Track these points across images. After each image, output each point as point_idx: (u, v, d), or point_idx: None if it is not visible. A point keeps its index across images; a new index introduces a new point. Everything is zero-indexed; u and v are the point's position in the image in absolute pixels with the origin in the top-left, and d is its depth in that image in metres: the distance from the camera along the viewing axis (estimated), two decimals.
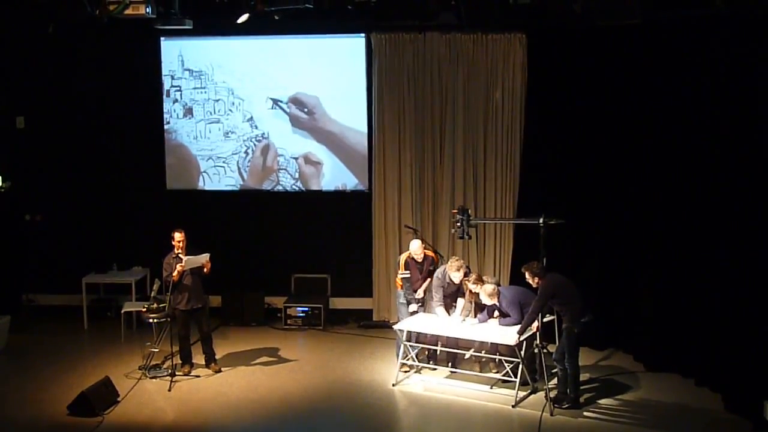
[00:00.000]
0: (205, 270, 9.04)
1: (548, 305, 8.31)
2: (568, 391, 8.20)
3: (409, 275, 9.07)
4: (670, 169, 8.95)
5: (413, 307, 9.16)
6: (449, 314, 9.06)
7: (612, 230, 9.62)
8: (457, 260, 8.96)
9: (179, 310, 9.02)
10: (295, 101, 11.06)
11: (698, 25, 8.39)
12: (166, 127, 11.31)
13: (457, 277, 8.86)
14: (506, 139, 10.40)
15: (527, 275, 8.20)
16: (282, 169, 11.21)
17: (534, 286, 8.22)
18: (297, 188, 11.23)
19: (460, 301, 8.99)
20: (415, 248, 9.09)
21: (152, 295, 9.30)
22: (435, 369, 9.16)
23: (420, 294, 9.22)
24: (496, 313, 8.81)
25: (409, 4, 9.54)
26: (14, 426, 8.02)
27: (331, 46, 10.96)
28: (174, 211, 10.97)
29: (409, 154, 10.66)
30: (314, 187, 11.19)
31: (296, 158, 11.15)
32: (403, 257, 9.18)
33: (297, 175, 11.19)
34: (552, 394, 8.27)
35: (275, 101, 10.98)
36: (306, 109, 11.05)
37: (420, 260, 9.13)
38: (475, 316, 8.95)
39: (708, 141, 8.45)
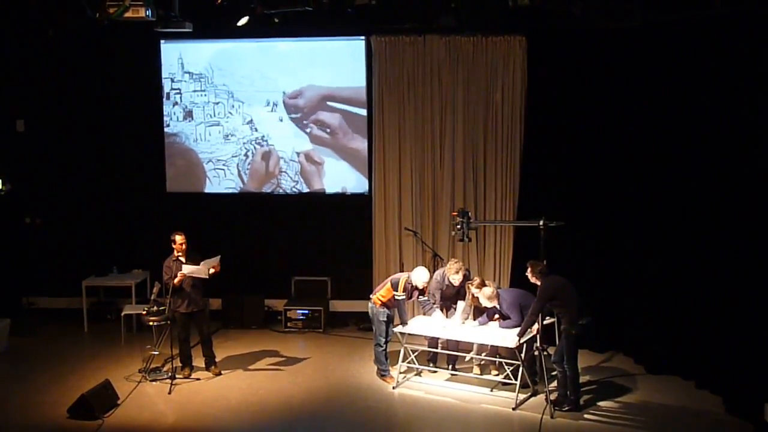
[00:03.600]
0: (213, 270, 8.99)
1: (548, 307, 8.30)
2: (568, 393, 8.20)
3: (404, 297, 8.83)
4: (670, 171, 8.95)
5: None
6: (447, 316, 9.05)
7: (612, 233, 9.62)
8: (456, 263, 8.94)
9: (179, 312, 9.01)
10: (317, 122, 11.07)
11: (698, 26, 8.40)
12: (166, 129, 11.31)
13: (456, 279, 8.85)
14: (506, 141, 10.39)
15: (529, 270, 8.17)
16: (282, 171, 11.22)
17: (532, 282, 8.21)
18: (297, 190, 11.23)
19: (461, 304, 8.97)
20: (422, 278, 8.78)
21: (152, 298, 9.31)
22: (435, 371, 9.16)
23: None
24: (496, 315, 8.81)
25: (409, 7, 9.55)
26: (15, 429, 8.01)
27: (331, 49, 10.97)
28: (174, 214, 10.97)
29: (410, 156, 10.66)
30: (316, 186, 11.19)
31: (298, 154, 11.15)
32: (402, 280, 8.85)
33: (297, 177, 11.19)
34: (552, 397, 8.27)
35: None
36: (328, 130, 11.08)
37: (420, 288, 8.88)
38: (475, 319, 8.95)
39: (708, 142, 8.44)
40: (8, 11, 9.87)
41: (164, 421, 8.18)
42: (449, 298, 9.10)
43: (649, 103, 9.15)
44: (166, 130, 11.31)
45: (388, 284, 8.92)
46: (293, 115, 11.11)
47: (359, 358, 9.78)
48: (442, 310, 9.08)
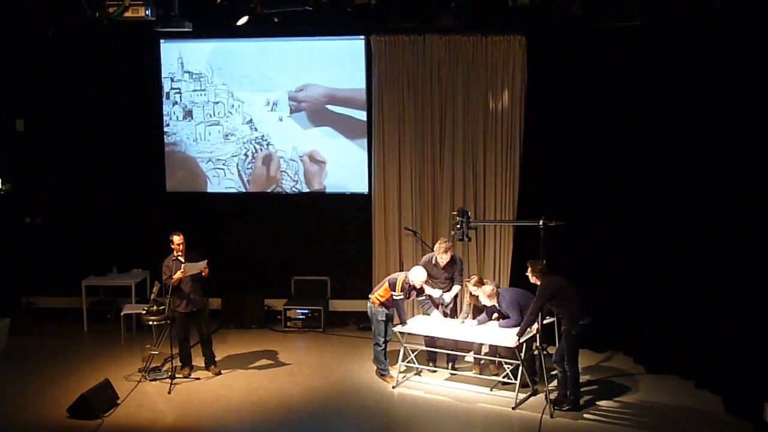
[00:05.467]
0: (203, 274, 9.03)
1: (547, 307, 8.30)
2: (568, 393, 8.19)
3: (402, 297, 8.84)
4: (669, 171, 8.95)
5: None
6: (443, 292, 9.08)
7: (612, 232, 9.62)
8: (445, 242, 8.94)
9: (179, 312, 9.02)
10: (318, 121, 11.07)
11: (698, 26, 8.39)
12: (166, 129, 11.31)
13: (444, 259, 8.87)
14: (506, 140, 10.39)
15: (529, 269, 8.16)
16: (283, 172, 11.22)
17: (531, 281, 8.21)
18: (297, 190, 11.23)
19: (456, 288, 9.03)
20: (419, 278, 8.77)
21: (152, 297, 9.31)
22: (435, 371, 9.16)
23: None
24: (496, 314, 8.81)
25: (409, 7, 9.54)
26: (14, 429, 8.01)
27: (331, 49, 10.97)
28: (174, 214, 10.98)
29: (409, 155, 10.65)
30: (317, 186, 11.19)
31: (301, 156, 11.15)
32: (400, 279, 8.84)
33: (297, 177, 11.19)
34: (552, 396, 8.27)
35: None
36: (328, 129, 11.07)
37: (418, 287, 8.87)
38: (474, 318, 8.94)
39: (708, 142, 8.44)
40: (8, 10, 9.87)
41: (164, 420, 8.18)
42: (436, 278, 9.09)
43: (649, 103, 9.14)
44: (165, 129, 11.30)
45: (386, 284, 8.92)
46: (294, 114, 11.10)
47: (359, 358, 9.78)
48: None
